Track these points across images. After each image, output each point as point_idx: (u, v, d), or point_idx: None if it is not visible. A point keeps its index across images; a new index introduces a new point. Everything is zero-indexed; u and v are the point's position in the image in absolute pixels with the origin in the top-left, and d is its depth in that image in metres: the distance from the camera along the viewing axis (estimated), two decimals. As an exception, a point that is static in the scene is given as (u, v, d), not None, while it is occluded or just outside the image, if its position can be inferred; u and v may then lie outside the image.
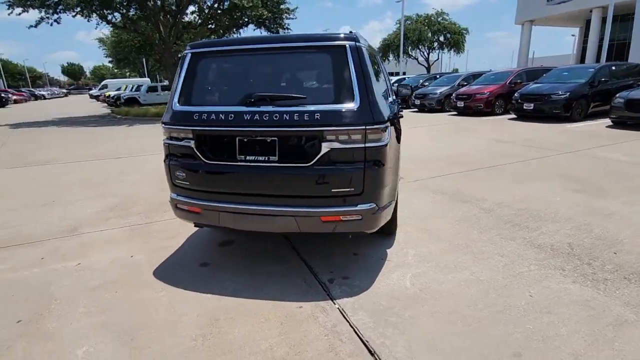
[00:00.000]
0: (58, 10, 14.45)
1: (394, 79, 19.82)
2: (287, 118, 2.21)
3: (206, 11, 18.95)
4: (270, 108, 2.25)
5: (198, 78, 2.50)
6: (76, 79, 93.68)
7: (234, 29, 19.73)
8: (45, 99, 46.41)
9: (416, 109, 15.62)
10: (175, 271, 2.78)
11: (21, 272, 2.83)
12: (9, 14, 14.58)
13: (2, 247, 3.26)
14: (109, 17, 16.66)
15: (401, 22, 31.21)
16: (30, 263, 2.96)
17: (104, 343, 2.01)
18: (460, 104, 12.69)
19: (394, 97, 4.22)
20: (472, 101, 12.34)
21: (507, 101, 11.84)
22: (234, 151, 2.35)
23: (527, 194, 4.30)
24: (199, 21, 19.53)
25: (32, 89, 51.15)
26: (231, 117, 2.29)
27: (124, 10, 16.93)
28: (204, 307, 2.32)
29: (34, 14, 14.85)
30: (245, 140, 2.32)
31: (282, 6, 18.51)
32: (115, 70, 57.40)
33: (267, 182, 2.34)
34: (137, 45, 27.86)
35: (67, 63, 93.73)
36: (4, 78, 58.13)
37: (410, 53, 41.40)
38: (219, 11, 17.97)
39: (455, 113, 13.53)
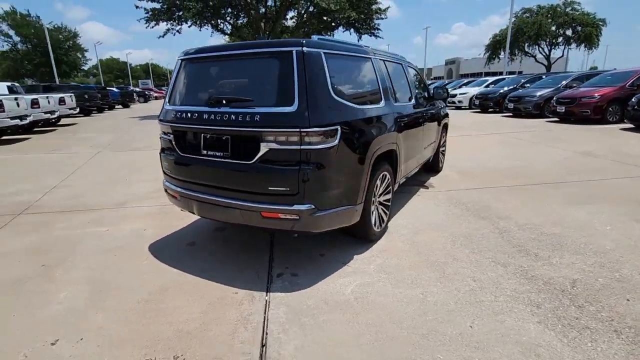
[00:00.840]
0: (180, 22, 17.17)
1: (490, 79, 17.97)
2: (234, 119, 2.42)
3: (304, 16, 20.15)
4: (224, 109, 2.48)
5: (181, 81, 2.89)
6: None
7: (326, 32, 20.50)
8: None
9: (510, 114, 13.96)
10: (166, 246, 3.25)
11: (67, 231, 3.67)
12: (145, 28, 17.92)
13: (67, 212, 4.24)
14: (220, 25, 19.04)
15: (510, 14, 27.93)
16: (77, 225, 3.80)
17: (80, 292, 2.54)
18: (561, 108, 10.89)
19: (416, 100, 4.03)
20: (576, 106, 10.49)
21: (624, 107, 9.73)
22: (200, 146, 2.66)
23: (571, 217, 3.64)
24: (294, 25, 20.88)
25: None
26: (196, 116, 2.60)
27: (233, 19, 19.14)
28: (166, 278, 2.70)
29: (161, 26, 17.96)
30: (208, 137, 2.61)
31: (373, 6, 18.50)
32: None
33: (222, 176, 2.58)
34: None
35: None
36: (152, 78, 71.24)
37: (527, 50, 36.76)
38: (312, 15, 18.88)
39: (555, 119, 11.69)
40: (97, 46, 69.76)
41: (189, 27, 17.55)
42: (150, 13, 17.07)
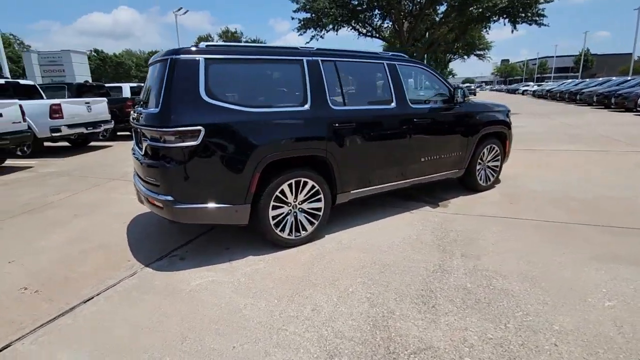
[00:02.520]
0: (322, 29, 18.80)
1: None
2: (139, 118, 2.88)
3: (448, 10, 18.64)
4: (142, 110, 2.97)
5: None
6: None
7: (475, 24, 18.31)
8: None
9: None
10: (144, 221, 4.03)
11: (114, 195, 4.98)
12: (297, 36, 20.34)
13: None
14: (360, 28, 19.77)
15: None
16: (128, 192, 5.09)
17: (56, 242, 3.51)
18: None
19: (401, 104, 3.56)
20: None
21: None
22: (135, 141, 3.27)
23: (579, 271, 2.54)
24: (442, 21, 19.50)
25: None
26: (136, 114, 3.18)
27: (374, 20, 19.56)
28: (119, 237, 3.44)
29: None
30: (137, 133, 3.17)
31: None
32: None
33: (139, 167, 3.09)
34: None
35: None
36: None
37: None
38: (454, 8, 17.25)
39: None
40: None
41: (327, 32, 19.00)
42: (302, 22, 19.35)
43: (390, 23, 19.55)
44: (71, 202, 4.66)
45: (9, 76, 15.41)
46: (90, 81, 17.88)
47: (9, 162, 7.41)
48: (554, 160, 6.36)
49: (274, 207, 2.95)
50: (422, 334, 2.01)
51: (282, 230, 3.04)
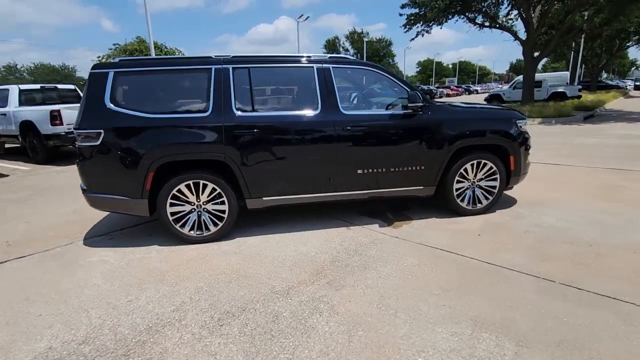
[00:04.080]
0: (429, 23, 17.53)
1: None
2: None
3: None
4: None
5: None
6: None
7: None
8: (477, 93, 53.95)
9: None
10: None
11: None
12: (404, 32, 19.52)
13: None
14: (475, 17, 17.60)
15: None
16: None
17: (40, 219, 4.63)
18: None
19: (326, 110, 3.38)
20: None
21: None
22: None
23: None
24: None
25: (470, 85, 60.54)
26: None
27: (491, 9, 17.16)
28: (100, 215, 4.32)
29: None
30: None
31: None
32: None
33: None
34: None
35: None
36: (457, 76, 73.26)
37: None
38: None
39: None
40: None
41: (434, 26, 17.42)
42: (408, 18, 18.44)
43: (511, 8, 16.67)
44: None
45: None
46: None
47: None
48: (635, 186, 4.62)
49: (172, 205, 3.23)
50: (173, 347, 2.00)
51: (183, 226, 3.30)
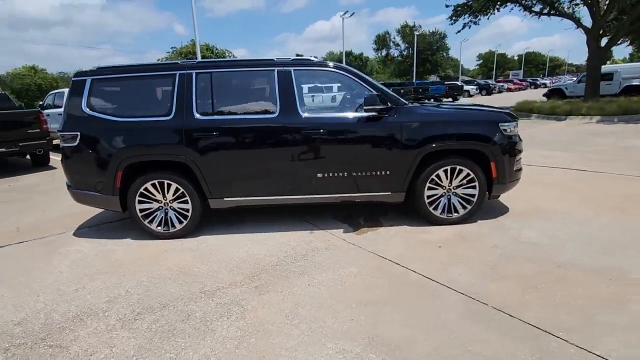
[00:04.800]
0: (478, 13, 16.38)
1: None
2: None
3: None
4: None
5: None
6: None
7: None
8: (545, 87, 49.00)
9: None
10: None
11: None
12: (449, 25, 18.46)
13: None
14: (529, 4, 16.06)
15: None
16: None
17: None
18: None
19: (285, 112, 3.41)
20: None
21: None
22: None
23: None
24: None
25: (537, 78, 55.17)
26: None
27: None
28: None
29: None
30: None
31: None
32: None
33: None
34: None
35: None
36: (523, 68, 67.46)
37: None
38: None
39: None
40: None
41: (478, 17, 16.11)
42: (454, 9, 17.38)
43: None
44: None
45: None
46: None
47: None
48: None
49: (141, 202, 3.47)
50: (83, 336, 2.18)
51: (151, 222, 3.53)
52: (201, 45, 23.68)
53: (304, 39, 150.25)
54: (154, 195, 3.48)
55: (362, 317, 2.21)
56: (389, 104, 3.36)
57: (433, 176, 3.46)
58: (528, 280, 2.51)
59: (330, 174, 3.44)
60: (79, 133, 3.39)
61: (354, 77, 3.48)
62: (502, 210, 3.89)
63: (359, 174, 3.45)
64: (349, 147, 3.42)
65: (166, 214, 3.54)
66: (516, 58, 76.97)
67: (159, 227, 3.55)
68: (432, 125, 3.41)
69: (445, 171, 3.46)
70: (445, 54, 44.11)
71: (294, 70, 3.42)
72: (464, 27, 17.50)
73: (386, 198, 3.56)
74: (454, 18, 17.72)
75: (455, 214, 3.57)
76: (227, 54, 30.86)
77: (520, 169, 3.68)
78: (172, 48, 30.33)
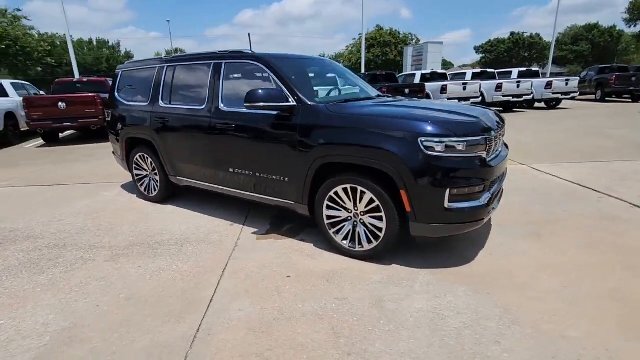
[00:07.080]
0: None
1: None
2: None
3: None
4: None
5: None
6: None
7: None
8: None
9: None
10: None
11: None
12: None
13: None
14: None
15: None
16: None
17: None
18: None
19: (211, 106, 3.66)
20: None
21: None
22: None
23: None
24: None
25: None
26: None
27: None
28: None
29: None
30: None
31: None
32: None
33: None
34: None
35: None
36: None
37: None
38: None
39: None
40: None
41: None
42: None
43: None
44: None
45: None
46: (439, 70, 18.27)
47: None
48: None
49: (136, 169, 4.44)
50: None
51: (142, 186, 4.47)
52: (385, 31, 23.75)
53: (547, 11, 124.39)
54: (143, 166, 4.36)
55: (66, 322, 2.29)
56: (290, 102, 2.91)
57: (331, 193, 2.79)
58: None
59: (239, 170, 3.34)
60: (110, 112, 4.64)
61: (269, 72, 3.14)
62: (457, 261, 2.68)
63: (261, 175, 3.19)
64: (253, 145, 3.19)
65: (150, 181, 4.38)
66: None
67: (146, 191, 4.43)
68: (333, 131, 2.72)
69: (345, 190, 2.72)
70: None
71: (225, 63, 3.43)
72: None
73: (292, 207, 3.14)
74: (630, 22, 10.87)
75: (359, 247, 2.77)
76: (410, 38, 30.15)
77: (472, 211, 2.43)
78: (359, 34, 31.69)
